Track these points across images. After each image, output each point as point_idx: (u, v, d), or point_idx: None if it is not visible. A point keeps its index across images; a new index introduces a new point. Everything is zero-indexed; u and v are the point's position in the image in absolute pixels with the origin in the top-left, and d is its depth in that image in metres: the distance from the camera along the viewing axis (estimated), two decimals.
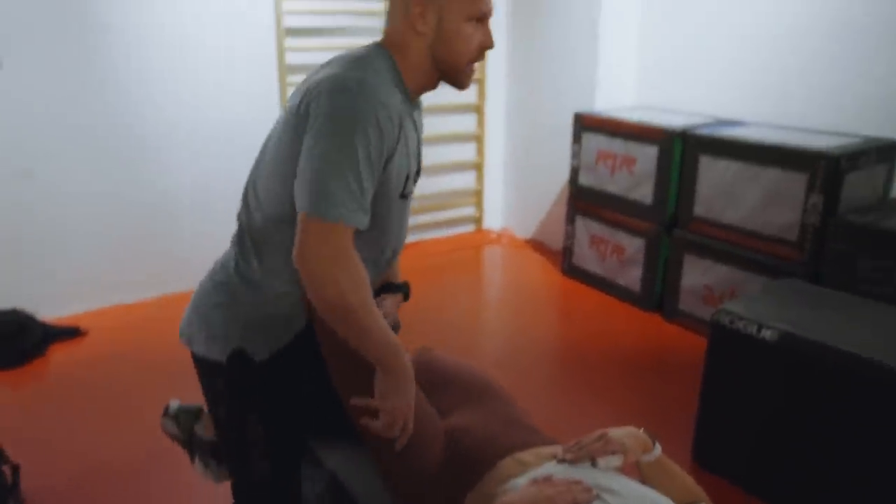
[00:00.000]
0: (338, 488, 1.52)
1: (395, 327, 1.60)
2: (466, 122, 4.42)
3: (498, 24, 4.31)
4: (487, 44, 1.34)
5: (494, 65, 4.38)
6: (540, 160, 4.32)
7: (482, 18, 1.32)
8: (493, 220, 4.71)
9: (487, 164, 4.55)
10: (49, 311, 3.22)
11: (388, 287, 1.60)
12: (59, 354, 3.04)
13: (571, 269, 3.89)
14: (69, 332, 3.13)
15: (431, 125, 4.18)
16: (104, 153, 3.29)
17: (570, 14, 3.92)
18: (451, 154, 4.41)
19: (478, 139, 4.48)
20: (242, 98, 3.54)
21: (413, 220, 4.36)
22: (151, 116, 3.36)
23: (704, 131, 3.12)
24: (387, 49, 1.34)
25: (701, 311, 3.17)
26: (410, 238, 4.39)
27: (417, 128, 1.42)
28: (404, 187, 1.37)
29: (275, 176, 1.31)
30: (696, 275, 3.19)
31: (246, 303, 1.38)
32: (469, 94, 4.36)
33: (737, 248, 3.00)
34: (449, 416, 1.46)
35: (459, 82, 1.37)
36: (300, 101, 1.27)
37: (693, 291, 3.21)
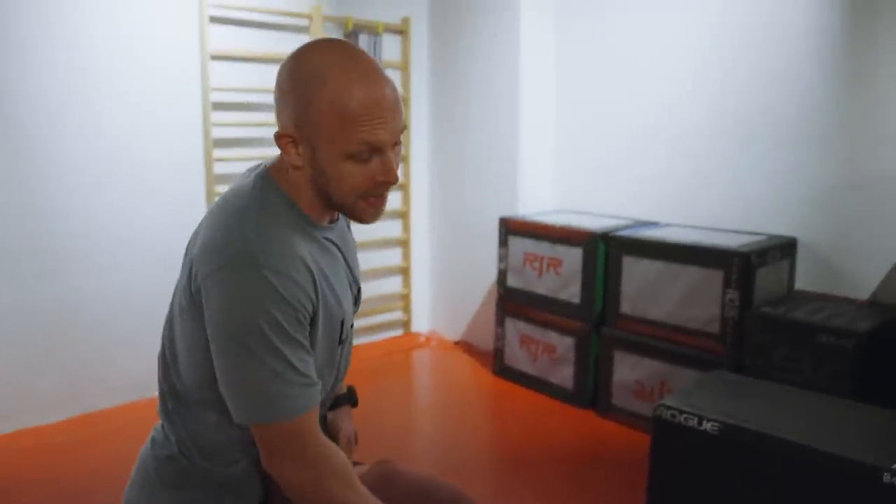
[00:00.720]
0: None
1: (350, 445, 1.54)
2: (392, 228, 4.50)
3: (419, 131, 4.50)
4: (384, 179, 1.10)
5: (418, 171, 4.54)
6: (465, 263, 4.43)
7: (375, 151, 1.08)
8: (421, 323, 4.73)
9: (414, 268, 4.62)
10: None
11: (334, 402, 1.55)
12: None
13: (503, 370, 3.93)
14: None
15: (357, 231, 4.24)
16: (11, 264, 3.12)
17: (489, 123, 4.15)
18: (377, 259, 4.45)
19: (403, 244, 4.56)
20: (168, 206, 3.49)
21: None
22: (66, 223, 3.23)
23: (625, 233, 3.32)
24: (274, 178, 1.16)
25: (634, 405, 3.26)
26: None
27: (343, 248, 1.27)
28: (341, 333, 1.23)
29: (190, 363, 1.17)
30: (627, 370, 3.29)
31: (199, 482, 1.22)
32: (394, 201, 4.47)
33: (664, 342, 3.14)
34: None
35: (356, 219, 1.18)
36: (190, 277, 1.11)
37: (624, 387, 3.30)
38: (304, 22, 3.82)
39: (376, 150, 1.08)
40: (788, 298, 3.03)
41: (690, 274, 3.03)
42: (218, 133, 3.63)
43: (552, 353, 3.62)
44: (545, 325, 3.64)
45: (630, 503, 2.49)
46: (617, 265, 3.29)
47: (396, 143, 1.12)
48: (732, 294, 2.90)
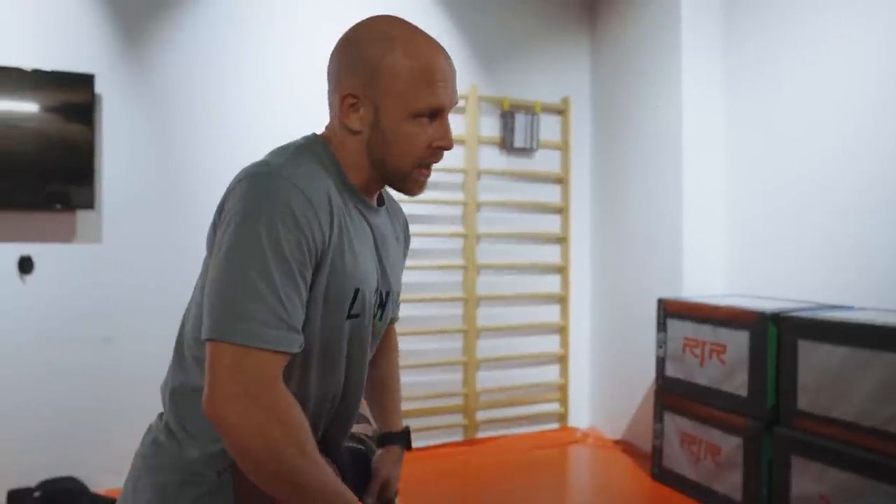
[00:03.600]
0: None
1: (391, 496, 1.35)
2: (550, 312, 4.28)
3: (580, 211, 4.32)
4: (442, 144, 1.09)
5: (578, 253, 4.32)
6: (629, 352, 4.04)
7: (435, 114, 1.08)
8: (580, 417, 4.35)
9: (572, 356, 4.31)
10: (104, 482, 3.14)
11: (383, 438, 1.38)
12: None
13: (662, 473, 3.42)
14: None
15: (511, 315, 4.09)
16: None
17: (652, 200, 3.86)
18: (532, 345, 4.22)
19: (562, 330, 4.29)
20: None
21: (492, 415, 4.10)
22: None
23: (802, 314, 2.81)
24: (321, 138, 1.14)
25: None
26: (488, 433, 4.10)
27: (379, 238, 1.16)
28: (352, 304, 1.08)
29: (195, 301, 1.09)
30: (808, 481, 2.69)
31: (173, 462, 1.08)
32: (553, 285, 4.27)
33: (855, 449, 2.53)
34: None
35: (406, 189, 1.13)
36: (219, 204, 1.07)
37: (807, 502, 2.69)
38: (459, 102, 3.90)
39: (437, 113, 1.08)
40: None
41: (887, 362, 2.46)
42: None
43: (716, 456, 3.09)
44: (708, 421, 3.14)
45: None
46: (791, 351, 2.77)
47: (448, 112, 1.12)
48: None
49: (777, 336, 2.84)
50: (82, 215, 3.21)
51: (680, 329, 3.31)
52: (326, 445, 1.12)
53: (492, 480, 3.57)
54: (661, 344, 3.43)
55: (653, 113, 3.86)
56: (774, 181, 3.45)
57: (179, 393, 1.11)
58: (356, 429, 1.30)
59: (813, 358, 2.70)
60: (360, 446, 1.25)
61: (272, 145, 1.11)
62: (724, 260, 3.72)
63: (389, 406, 1.40)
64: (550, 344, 4.29)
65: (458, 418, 4.00)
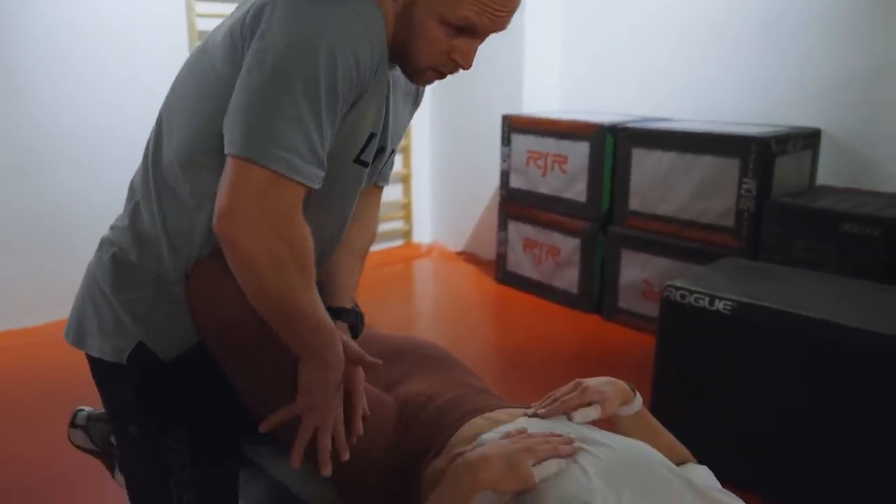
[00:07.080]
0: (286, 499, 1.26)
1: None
2: None
3: None
4: (460, 61, 1.01)
5: None
6: (469, 169, 4.23)
7: (464, 29, 0.97)
8: (423, 233, 4.57)
9: (415, 175, 4.43)
10: None
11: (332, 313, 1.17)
12: None
13: (506, 277, 3.78)
14: None
15: None
16: (3, 163, 2.97)
17: None
18: None
19: (404, 149, 4.36)
20: (146, 102, 3.29)
21: None
22: (52, 120, 3.06)
23: (635, 125, 3.11)
24: None
25: (641, 307, 3.11)
26: None
27: (390, 86, 1.07)
28: (362, 150, 1.04)
29: (196, 110, 0.99)
30: (635, 270, 3.13)
31: (143, 277, 1.04)
32: None
33: (674, 239, 2.97)
34: (401, 386, 1.28)
35: (411, 80, 1.07)
36: (245, 13, 0.94)
37: (632, 288, 3.15)
38: None
39: (470, 31, 0.98)
40: (810, 191, 2.84)
41: (704, 164, 2.84)
42: (203, 25, 3.40)
43: (556, 256, 3.46)
44: (549, 226, 3.47)
45: None
46: (626, 159, 3.09)
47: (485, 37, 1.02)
48: (749, 184, 2.71)
49: (613, 145, 3.14)
50: None
51: (524, 143, 3.51)
52: None
53: None
54: (505, 158, 3.63)
55: None
56: (606, 3, 3.61)
57: (155, 208, 1.03)
58: None
59: (644, 164, 3.03)
60: None
61: None
62: (560, 79, 3.91)
63: (346, 281, 1.29)
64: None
65: None
